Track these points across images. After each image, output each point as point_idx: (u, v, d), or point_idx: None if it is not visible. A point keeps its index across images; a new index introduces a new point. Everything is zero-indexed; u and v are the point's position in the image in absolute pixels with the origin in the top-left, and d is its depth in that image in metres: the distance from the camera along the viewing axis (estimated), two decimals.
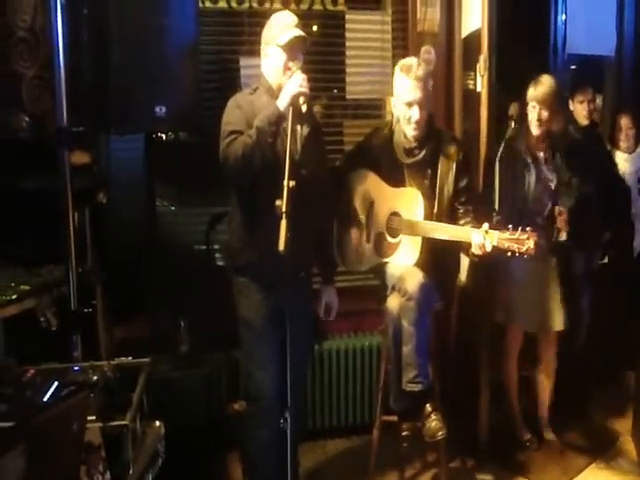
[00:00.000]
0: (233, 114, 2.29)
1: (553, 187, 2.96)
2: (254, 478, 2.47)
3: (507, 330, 3.12)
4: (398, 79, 2.57)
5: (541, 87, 2.89)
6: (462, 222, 2.57)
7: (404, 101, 2.53)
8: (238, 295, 2.41)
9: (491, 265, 2.93)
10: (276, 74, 2.32)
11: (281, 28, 2.30)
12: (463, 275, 3.18)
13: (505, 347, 3.16)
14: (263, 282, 2.33)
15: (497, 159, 2.84)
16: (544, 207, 2.95)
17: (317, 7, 3.39)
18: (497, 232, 2.36)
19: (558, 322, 2.98)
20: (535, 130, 2.93)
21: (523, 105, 2.97)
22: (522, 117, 2.96)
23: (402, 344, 2.52)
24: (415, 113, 2.52)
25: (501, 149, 2.86)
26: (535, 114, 2.90)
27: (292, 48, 2.27)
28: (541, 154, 2.98)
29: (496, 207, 2.79)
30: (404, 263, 2.57)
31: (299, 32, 2.28)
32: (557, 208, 2.89)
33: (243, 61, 3.16)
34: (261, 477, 2.41)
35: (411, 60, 2.59)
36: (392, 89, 2.64)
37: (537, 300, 2.98)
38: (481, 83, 3.07)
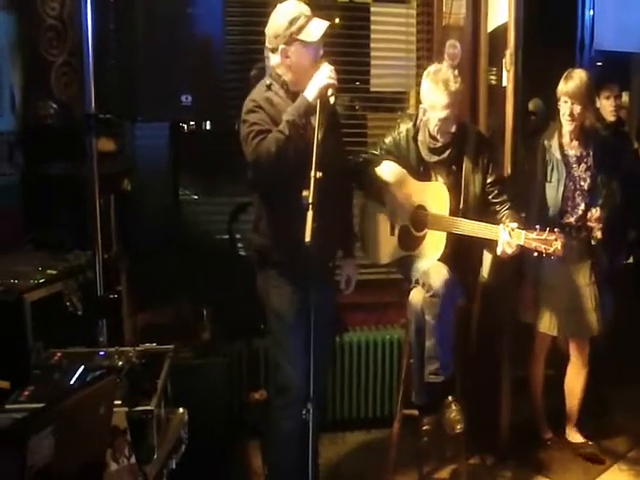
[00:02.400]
0: (256, 114, 2.20)
1: (586, 187, 2.89)
2: (276, 467, 2.47)
3: (535, 331, 3.04)
4: (431, 91, 2.48)
5: (572, 82, 2.80)
6: (500, 216, 2.55)
7: (440, 117, 2.48)
8: (267, 286, 2.35)
9: (521, 266, 2.92)
10: (299, 71, 2.21)
11: (302, 20, 2.15)
12: (485, 271, 3.15)
13: (533, 348, 3.11)
14: (293, 274, 2.28)
15: (526, 157, 2.82)
16: (576, 207, 2.89)
17: None
18: (524, 231, 2.35)
19: (592, 328, 2.91)
20: (567, 126, 2.86)
21: (553, 101, 2.92)
22: (553, 113, 2.92)
23: (425, 338, 2.51)
24: (450, 127, 2.49)
25: (531, 146, 2.83)
26: (567, 109, 2.82)
27: (319, 42, 2.20)
28: (572, 152, 2.91)
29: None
30: (428, 257, 2.56)
31: (324, 22, 2.18)
32: (592, 208, 2.82)
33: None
34: (284, 467, 2.40)
35: (445, 70, 2.49)
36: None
37: (569, 305, 2.90)
38: (507, 78, 3.04)
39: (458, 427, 2.54)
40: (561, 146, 2.89)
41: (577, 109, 2.81)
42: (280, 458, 2.41)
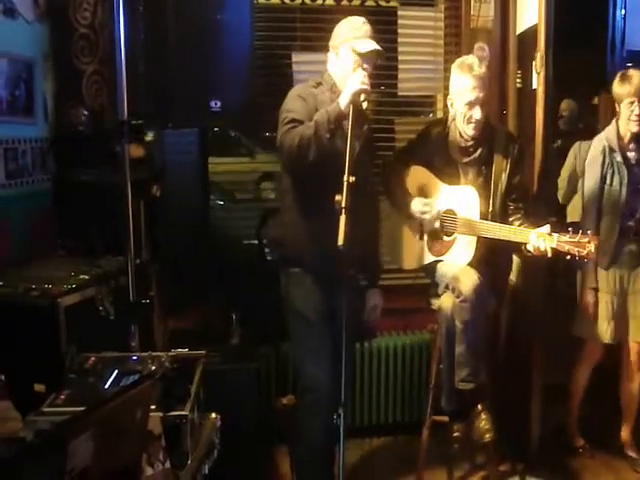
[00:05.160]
0: (296, 103, 2.29)
1: None
2: (304, 472, 2.46)
3: (586, 341, 3.01)
4: (457, 78, 2.53)
5: (634, 82, 2.75)
6: (512, 219, 2.53)
7: (465, 101, 2.49)
8: (289, 286, 2.38)
9: (574, 279, 2.94)
10: (344, 75, 2.29)
11: (361, 33, 2.30)
12: (514, 275, 3.11)
13: (581, 357, 3.06)
14: (317, 274, 2.31)
15: (587, 160, 2.79)
16: (636, 210, 2.85)
17: (370, 3, 3.39)
18: (557, 234, 2.32)
19: None
20: (634, 127, 2.79)
21: (582, 103, 2.89)
22: (585, 115, 2.89)
23: (455, 344, 2.49)
24: (477, 113, 2.49)
25: (591, 148, 2.80)
26: (634, 109, 2.76)
27: (368, 58, 2.28)
28: (632, 154, 2.87)
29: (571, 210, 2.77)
30: (458, 262, 2.54)
31: (378, 47, 2.29)
32: None
33: (296, 57, 3.17)
34: (311, 472, 2.40)
35: (470, 58, 2.56)
36: (444, 86, 2.61)
37: (626, 311, 2.89)
38: (537, 81, 3.01)
39: (487, 436, 2.53)
40: (622, 149, 2.86)
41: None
42: (308, 462, 2.41)
